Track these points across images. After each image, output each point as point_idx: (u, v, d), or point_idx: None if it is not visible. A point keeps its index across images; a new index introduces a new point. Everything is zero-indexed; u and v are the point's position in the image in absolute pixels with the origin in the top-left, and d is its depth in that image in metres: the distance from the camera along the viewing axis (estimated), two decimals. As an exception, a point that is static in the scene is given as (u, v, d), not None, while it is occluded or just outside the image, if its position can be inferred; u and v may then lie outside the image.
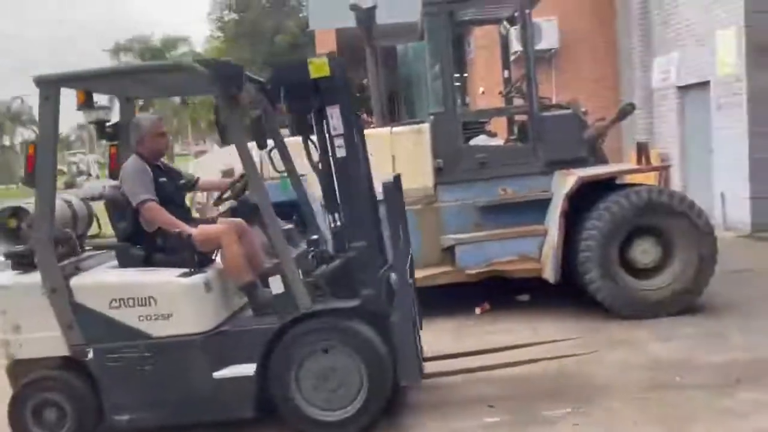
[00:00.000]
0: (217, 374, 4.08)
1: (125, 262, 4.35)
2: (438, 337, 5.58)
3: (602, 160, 6.88)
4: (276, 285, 4.09)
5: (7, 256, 4.34)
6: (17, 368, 4.22)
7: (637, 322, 5.80)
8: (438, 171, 6.58)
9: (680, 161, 11.72)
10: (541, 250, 6.30)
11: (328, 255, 4.37)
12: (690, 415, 4.03)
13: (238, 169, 4.53)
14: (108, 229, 4.75)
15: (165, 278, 4.13)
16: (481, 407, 4.37)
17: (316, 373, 4.07)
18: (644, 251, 6.06)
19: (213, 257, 4.46)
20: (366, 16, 7.79)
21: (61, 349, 4.13)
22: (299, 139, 4.45)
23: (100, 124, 4.75)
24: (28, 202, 4.49)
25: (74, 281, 4.14)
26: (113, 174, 4.76)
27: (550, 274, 6.15)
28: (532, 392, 4.55)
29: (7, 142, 66.39)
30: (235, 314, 4.43)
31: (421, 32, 7.55)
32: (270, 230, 4.14)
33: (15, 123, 62.58)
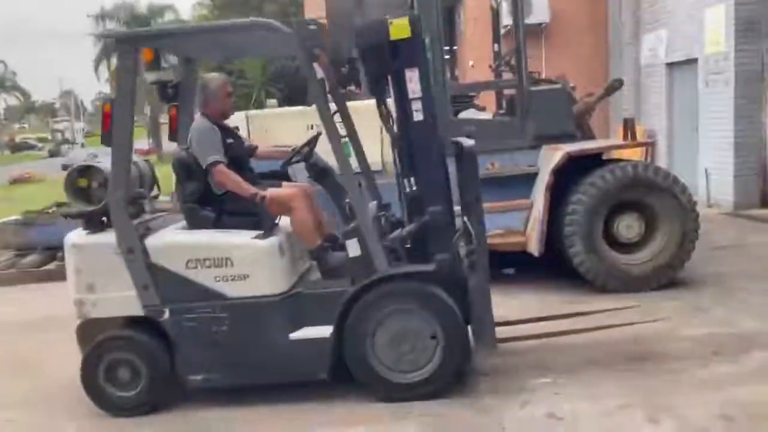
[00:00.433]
0: (293, 335, 4.10)
1: (195, 223, 4.34)
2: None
3: (589, 136, 6.93)
4: (353, 248, 4.06)
5: (79, 215, 4.31)
6: (89, 328, 4.22)
7: (619, 295, 5.87)
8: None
9: (667, 138, 11.81)
10: (526, 225, 6.37)
11: (396, 220, 4.36)
12: (666, 386, 4.11)
13: None
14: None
15: (242, 240, 4.15)
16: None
17: (392, 336, 4.06)
18: (628, 226, 6.14)
19: (276, 221, 4.40)
20: (356, -14, 7.72)
21: (135, 309, 4.13)
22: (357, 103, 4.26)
23: (162, 85, 4.66)
24: (98, 161, 4.43)
25: (149, 241, 4.14)
26: (173, 136, 4.72)
27: (534, 247, 6.21)
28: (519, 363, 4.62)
29: (-9, 108, 65.52)
30: (302, 277, 4.46)
31: (410, 3, 7.51)
32: (349, 192, 4.13)
33: (-1, 89, 61.63)
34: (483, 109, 7.73)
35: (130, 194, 4.18)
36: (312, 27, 3.99)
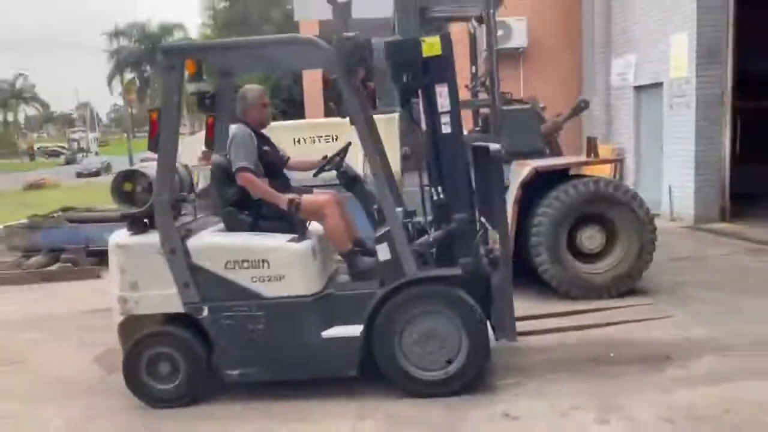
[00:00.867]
0: (325, 334, 4.09)
1: (233, 226, 4.34)
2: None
3: (557, 153, 6.94)
4: (383, 252, 4.05)
5: (124, 218, 4.30)
6: (131, 324, 4.21)
7: (581, 302, 5.86)
8: (405, 158, 6.59)
9: (635, 156, 11.86)
10: (496, 235, 6.35)
11: (421, 226, 4.37)
12: (617, 388, 4.10)
13: None
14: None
15: (278, 243, 4.14)
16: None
17: (420, 336, 4.06)
18: (590, 237, 6.14)
19: (308, 225, 4.38)
20: (342, 11, 7.74)
21: (176, 306, 4.12)
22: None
23: (200, 96, 4.63)
24: (144, 165, 4.40)
25: (191, 243, 4.13)
26: (209, 143, 4.71)
27: (503, 256, 6.19)
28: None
29: (11, 118, 65.34)
30: (331, 278, 4.45)
31: (393, 27, 7.52)
32: (381, 200, 4.12)
33: (18, 100, 61.52)
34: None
35: (173, 198, 4.18)
36: (351, 43, 3.94)
